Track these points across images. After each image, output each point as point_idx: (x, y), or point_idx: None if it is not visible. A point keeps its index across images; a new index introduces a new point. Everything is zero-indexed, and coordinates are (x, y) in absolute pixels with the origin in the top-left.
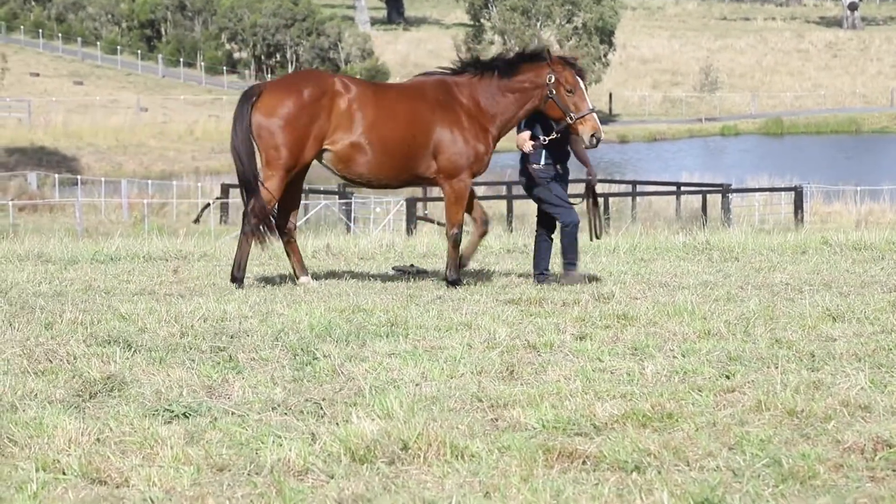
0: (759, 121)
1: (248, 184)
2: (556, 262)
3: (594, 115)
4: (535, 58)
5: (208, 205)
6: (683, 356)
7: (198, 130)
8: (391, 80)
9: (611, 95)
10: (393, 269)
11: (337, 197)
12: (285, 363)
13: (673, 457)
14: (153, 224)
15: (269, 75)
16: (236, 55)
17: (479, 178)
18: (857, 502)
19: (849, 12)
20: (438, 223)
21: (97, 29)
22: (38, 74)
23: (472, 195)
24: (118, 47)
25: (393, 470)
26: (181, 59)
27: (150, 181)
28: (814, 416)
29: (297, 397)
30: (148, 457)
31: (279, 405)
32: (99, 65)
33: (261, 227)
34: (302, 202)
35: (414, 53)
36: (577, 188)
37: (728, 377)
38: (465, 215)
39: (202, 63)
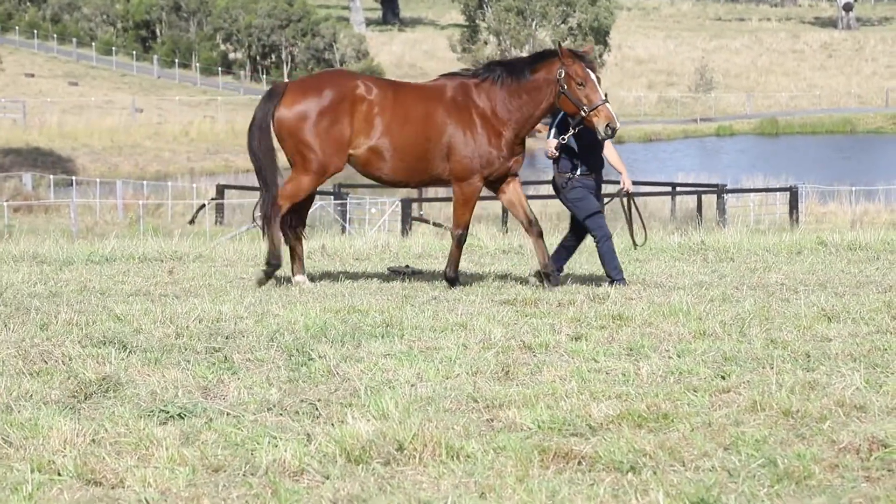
0: (755, 121)
1: (264, 181)
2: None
3: (607, 105)
4: (547, 55)
5: (203, 206)
6: (679, 356)
7: (193, 131)
8: None
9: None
10: (388, 269)
11: (332, 197)
12: (281, 364)
13: (668, 457)
14: (148, 225)
15: (265, 76)
16: (231, 56)
17: None
18: (852, 502)
19: (843, 13)
20: (434, 223)
21: (92, 29)
22: (33, 75)
23: (512, 197)
24: (113, 48)
25: (388, 470)
26: (176, 60)
27: (145, 182)
28: (809, 416)
29: (293, 398)
30: (143, 458)
31: (274, 406)
32: (94, 65)
33: (265, 224)
34: None
35: (409, 54)
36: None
37: (723, 377)
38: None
39: (197, 64)
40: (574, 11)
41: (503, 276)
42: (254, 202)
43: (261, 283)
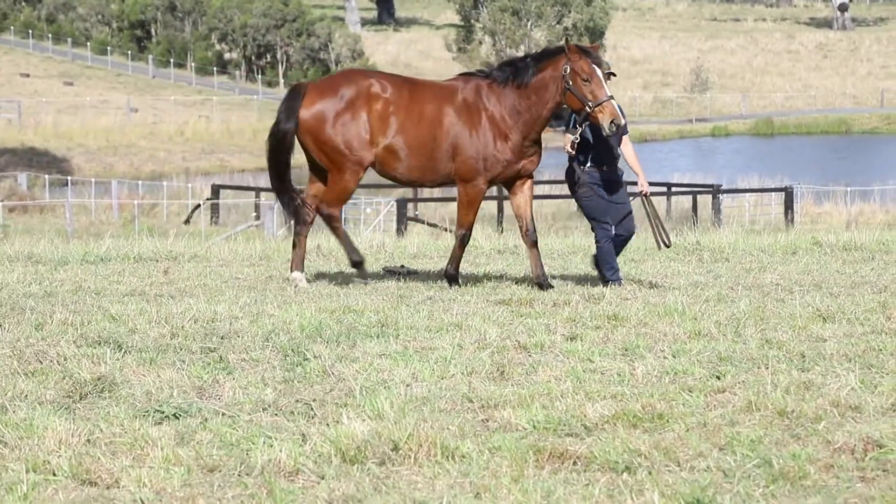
0: (750, 121)
1: (278, 183)
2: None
3: (612, 101)
4: (553, 52)
5: (199, 205)
6: (674, 357)
7: (188, 131)
8: None
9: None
10: (383, 269)
11: None
12: (276, 364)
13: (663, 457)
14: (143, 225)
15: (260, 76)
16: (226, 56)
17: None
18: (847, 502)
19: (839, 13)
20: (429, 223)
21: (87, 29)
22: (28, 75)
23: (520, 201)
24: (108, 48)
25: (383, 471)
26: (171, 60)
27: (140, 182)
28: (804, 416)
29: (288, 398)
30: (138, 458)
31: (270, 406)
32: (89, 65)
33: (331, 231)
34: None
35: (404, 54)
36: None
37: (718, 378)
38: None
39: (192, 63)
40: (569, 11)
41: (498, 277)
42: (249, 202)
43: (363, 277)
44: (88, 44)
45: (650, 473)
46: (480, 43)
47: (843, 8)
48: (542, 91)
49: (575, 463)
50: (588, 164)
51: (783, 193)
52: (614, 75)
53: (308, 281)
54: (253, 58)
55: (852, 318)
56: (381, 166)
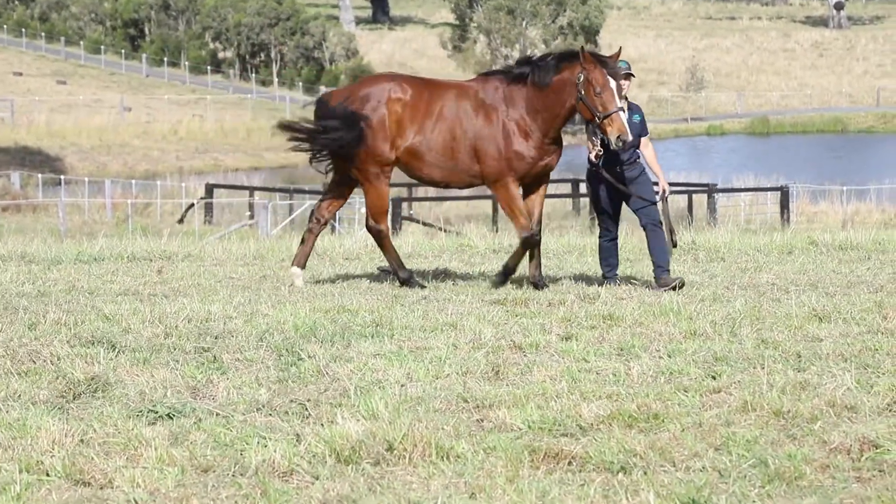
0: (745, 120)
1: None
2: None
3: (621, 114)
4: (572, 56)
5: (192, 205)
6: (669, 356)
7: (182, 130)
8: None
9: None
10: (378, 269)
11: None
12: (270, 364)
13: (659, 457)
14: (137, 224)
15: (254, 74)
16: (220, 55)
17: None
18: (843, 503)
19: (835, 12)
20: (423, 223)
21: (81, 28)
22: (20, 74)
23: (533, 198)
24: (102, 46)
25: (378, 471)
26: (165, 59)
27: (133, 181)
28: (800, 416)
29: (282, 398)
30: (132, 458)
31: (264, 406)
32: (82, 64)
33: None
34: (287, 202)
35: (399, 53)
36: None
37: (714, 378)
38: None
39: (186, 62)
40: (564, 10)
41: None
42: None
43: (407, 283)
44: (82, 42)
45: (646, 473)
46: (475, 42)
47: (839, 6)
48: (560, 92)
49: (570, 463)
50: (603, 163)
51: (779, 193)
52: (632, 76)
53: (305, 281)
54: (247, 57)
55: (848, 317)
56: (406, 168)
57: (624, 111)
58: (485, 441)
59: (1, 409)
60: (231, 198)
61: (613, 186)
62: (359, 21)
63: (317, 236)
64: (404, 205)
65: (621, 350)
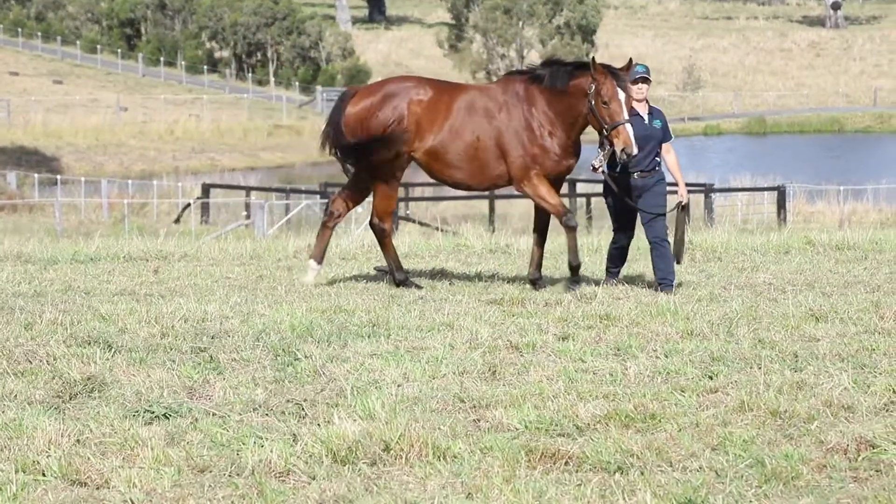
0: (742, 120)
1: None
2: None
3: (627, 126)
4: (585, 66)
5: (189, 205)
6: (666, 356)
7: (178, 130)
8: (372, 80)
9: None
10: (375, 269)
11: (318, 196)
12: (266, 364)
13: (656, 457)
14: (133, 224)
15: (250, 74)
16: (217, 54)
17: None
18: (840, 503)
19: (831, 11)
20: (420, 223)
21: (77, 28)
22: (17, 73)
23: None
24: (98, 46)
25: (375, 471)
26: (161, 59)
27: (130, 181)
28: (797, 416)
29: (279, 398)
30: (128, 458)
31: (260, 406)
32: (79, 64)
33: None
34: (284, 202)
35: (395, 53)
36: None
37: (711, 377)
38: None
39: (182, 62)
40: (561, 10)
41: (490, 276)
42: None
43: (403, 284)
44: (78, 42)
45: (642, 473)
46: (472, 42)
47: (835, 6)
48: (576, 97)
49: (567, 463)
50: (619, 170)
51: (776, 192)
52: (648, 81)
53: (318, 277)
54: (243, 56)
55: (845, 317)
56: (427, 169)
57: (642, 118)
58: (481, 441)
59: None
60: (227, 198)
61: (621, 196)
62: (355, 21)
63: (332, 230)
64: (401, 205)
65: (618, 350)
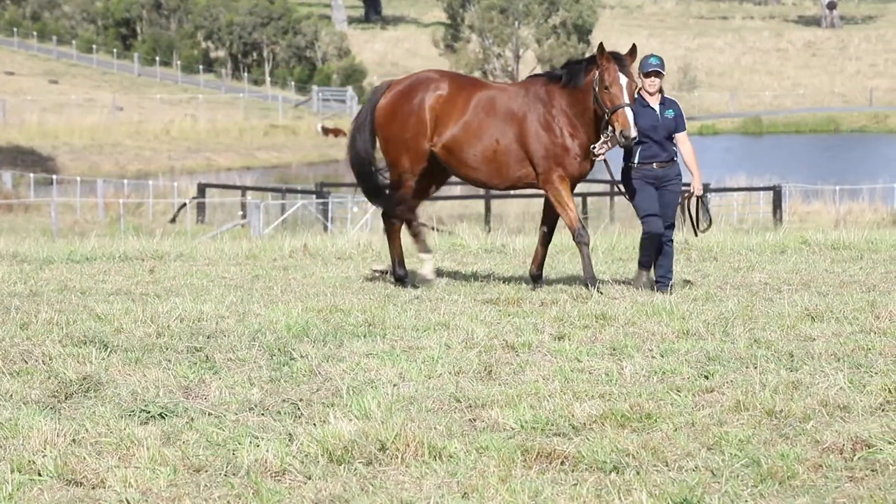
0: (738, 120)
1: (363, 173)
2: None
3: (624, 110)
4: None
5: (184, 204)
6: (662, 356)
7: (174, 129)
8: (368, 80)
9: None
10: (371, 269)
11: (314, 196)
12: (262, 363)
13: (651, 457)
14: (129, 224)
15: (246, 74)
16: (212, 54)
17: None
18: (836, 502)
19: (827, 11)
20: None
21: (73, 27)
22: (12, 73)
23: (551, 203)
24: (94, 46)
25: (370, 470)
26: (157, 58)
27: (125, 181)
28: (793, 416)
29: (275, 398)
30: (124, 458)
31: (256, 406)
32: (74, 63)
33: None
34: (280, 201)
35: (391, 52)
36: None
37: (707, 377)
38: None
39: (178, 62)
40: (557, 10)
41: (486, 276)
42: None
43: (400, 281)
44: (74, 42)
45: (638, 473)
46: (468, 41)
47: (831, 6)
48: (588, 93)
49: (563, 463)
50: (637, 161)
51: (771, 192)
52: (661, 74)
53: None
54: (239, 56)
55: (841, 317)
56: (447, 164)
57: (653, 110)
58: (477, 441)
59: None
60: (223, 197)
61: (650, 184)
62: (351, 20)
63: (399, 230)
64: None
65: (614, 350)
